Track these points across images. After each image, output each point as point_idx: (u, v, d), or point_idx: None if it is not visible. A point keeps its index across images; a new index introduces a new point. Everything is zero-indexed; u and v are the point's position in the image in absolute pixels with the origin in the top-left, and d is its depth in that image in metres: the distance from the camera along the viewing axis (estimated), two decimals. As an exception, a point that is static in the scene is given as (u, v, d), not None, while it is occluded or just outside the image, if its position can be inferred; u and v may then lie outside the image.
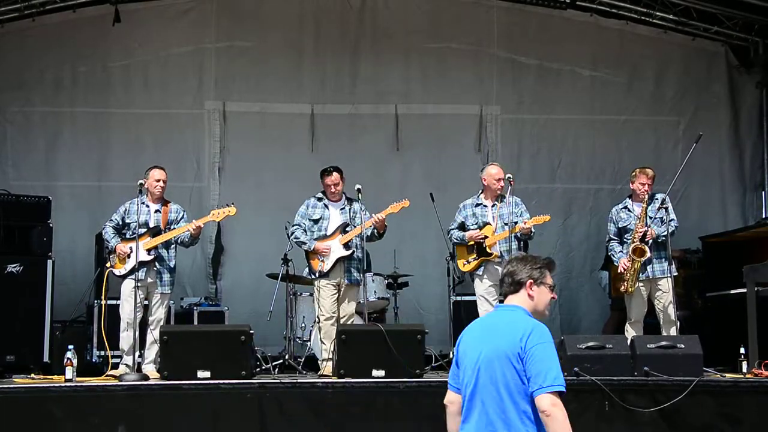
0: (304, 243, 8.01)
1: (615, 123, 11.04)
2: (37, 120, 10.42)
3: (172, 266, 7.90)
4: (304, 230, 8.05)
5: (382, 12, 10.89)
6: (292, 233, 8.12)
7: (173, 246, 7.93)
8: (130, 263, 7.64)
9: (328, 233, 8.00)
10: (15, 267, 8.47)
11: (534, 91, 11.00)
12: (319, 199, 8.14)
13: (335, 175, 8.06)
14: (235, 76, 10.73)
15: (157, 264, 7.77)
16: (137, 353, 7.50)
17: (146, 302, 7.77)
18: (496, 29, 10.94)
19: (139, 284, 7.60)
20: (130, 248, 7.66)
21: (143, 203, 7.79)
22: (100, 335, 8.22)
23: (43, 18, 10.27)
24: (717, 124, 11.01)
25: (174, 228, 7.85)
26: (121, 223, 7.88)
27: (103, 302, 7.96)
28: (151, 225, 7.82)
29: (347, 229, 8.00)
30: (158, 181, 7.91)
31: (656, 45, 11.04)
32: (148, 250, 7.70)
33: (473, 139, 10.91)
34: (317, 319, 8.11)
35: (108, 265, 7.83)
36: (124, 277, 7.70)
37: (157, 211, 7.90)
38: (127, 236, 7.81)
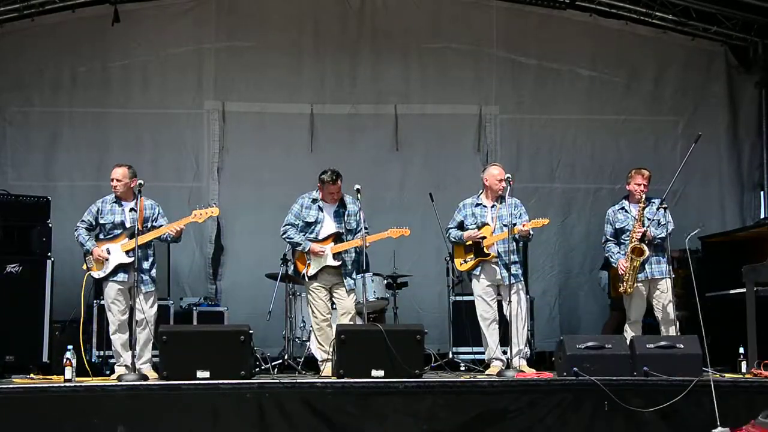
0: (299, 244, 7.91)
1: (614, 123, 11.05)
2: (37, 120, 10.41)
3: (151, 263, 7.75)
4: (297, 230, 7.99)
5: (382, 12, 10.89)
6: (284, 232, 7.98)
7: (152, 246, 7.82)
8: (109, 266, 7.58)
9: (320, 237, 7.96)
10: (14, 267, 8.47)
11: (533, 91, 11.00)
12: (314, 201, 8.05)
13: (339, 183, 7.93)
14: (234, 76, 10.72)
15: (135, 263, 7.66)
16: (129, 353, 7.48)
17: (131, 303, 7.67)
18: (495, 29, 10.94)
19: (121, 286, 7.59)
20: (107, 250, 7.60)
21: (115, 202, 7.71)
22: (99, 336, 8.22)
23: (43, 18, 10.26)
24: (716, 124, 11.01)
25: (152, 225, 7.72)
26: (93, 223, 7.76)
27: (82, 305, 7.83)
28: (128, 225, 7.68)
29: (340, 237, 7.95)
30: (111, 180, 7.75)
31: (656, 45, 11.04)
32: (127, 252, 7.60)
33: (472, 139, 10.90)
34: (313, 323, 8.08)
35: (84, 267, 7.77)
36: (105, 279, 7.66)
37: (132, 209, 7.73)
38: (101, 237, 7.72)
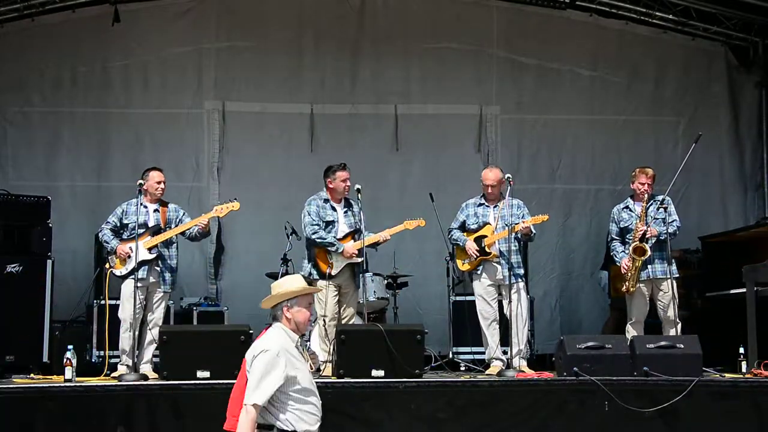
0: (332, 244, 7.82)
1: (615, 123, 11.04)
2: (37, 120, 10.41)
3: (173, 265, 7.89)
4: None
5: (382, 12, 10.88)
6: (314, 233, 7.83)
7: (174, 245, 7.92)
8: (131, 263, 7.62)
9: (338, 236, 7.93)
10: (15, 267, 8.47)
11: (534, 91, 10.99)
12: (326, 201, 8.04)
13: (348, 171, 7.98)
14: (234, 76, 10.72)
15: (158, 263, 7.76)
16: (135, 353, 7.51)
17: (145, 302, 7.74)
18: (496, 29, 10.94)
19: (140, 284, 7.59)
20: (131, 248, 7.65)
21: (141, 204, 7.78)
22: (101, 335, 8.23)
23: (43, 18, 10.27)
24: (717, 124, 11.01)
25: (173, 227, 7.84)
26: (118, 224, 7.85)
27: (106, 303, 7.93)
28: (151, 224, 7.82)
29: (356, 235, 7.94)
30: (159, 183, 7.89)
31: (656, 45, 11.04)
32: (149, 249, 7.70)
33: (473, 139, 10.90)
34: (321, 320, 8.07)
35: (107, 266, 7.81)
36: (124, 277, 7.69)
37: (155, 210, 7.89)
38: (125, 237, 7.79)
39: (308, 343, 8.54)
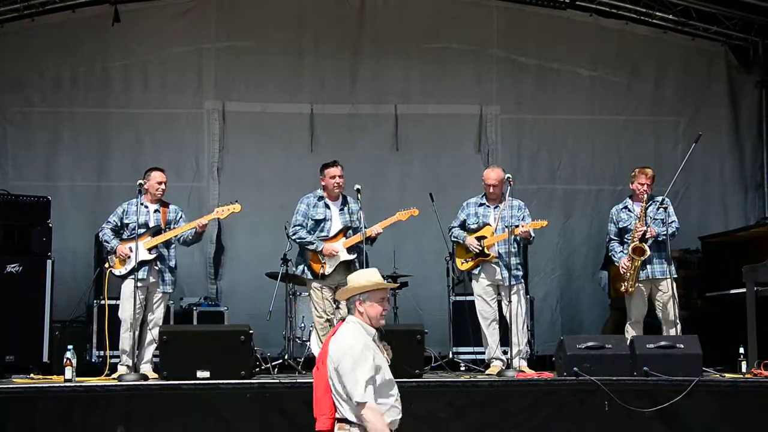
0: (311, 243, 7.85)
1: (615, 123, 11.04)
2: (37, 120, 10.41)
3: (173, 265, 7.90)
4: (307, 231, 7.97)
5: (382, 12, 10.88)
6: (294, 233, 7.94)
7: (173, 245, 7.93)
8: (131, 263, 7.62)
9: (330, 235, 7.95)
10: (14, 267, 8.47)
11: (534, 91, 10.99)
12: (320, 198, 8.05)
13: (339, 167, 7.98)
14: (234, 76, 10.72)
15: (158, 263, 7.76)
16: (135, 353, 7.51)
17: (145, 302, 7.74)
18: (495, 29, 10.94)
19: (140, 284, 7.59)
20: (130, 248, 7.64)
21: (142, 204, 7.78)
22: (101, 335, 8.22)
23: (43, 18, 10.27)
24: (717, 124, 11.00)
25: (173, 227, 7.84)
26: (119, 224, 7.85)
27: (106, 303, 7.94)
28: (151, 225, 7.82)
29: (348, 232, 7.94)
30: (160, 183, 7.90)
31: (656, 45, 11.04)
32: (149, 249, 7.70)
33: (473, 139, 10.90)
34: (316, 321, 8.08)
35: (107, 265, 7.81)
36: (124, 277, 7.69)
37: (156, 211, 7.89)
38: (125, 237, 7.78)
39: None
